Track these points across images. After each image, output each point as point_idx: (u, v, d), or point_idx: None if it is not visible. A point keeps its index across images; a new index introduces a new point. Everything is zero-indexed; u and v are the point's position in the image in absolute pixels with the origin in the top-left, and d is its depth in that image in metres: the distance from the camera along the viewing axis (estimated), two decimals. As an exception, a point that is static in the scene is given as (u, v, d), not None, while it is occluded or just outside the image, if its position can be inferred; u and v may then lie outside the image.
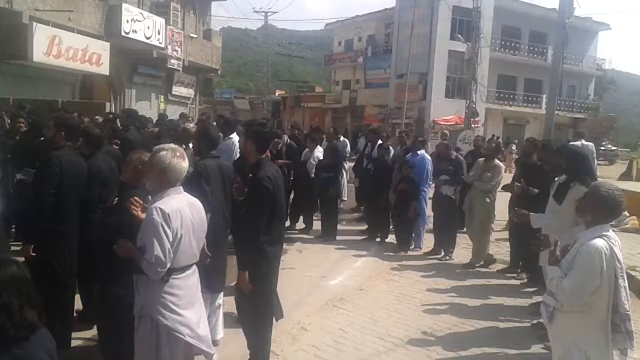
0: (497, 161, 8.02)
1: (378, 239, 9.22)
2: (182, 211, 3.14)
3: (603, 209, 3.06)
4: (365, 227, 9.88)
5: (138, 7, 19.49)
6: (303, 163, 9.46)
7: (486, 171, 7.86)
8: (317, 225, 9.59)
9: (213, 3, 29.21)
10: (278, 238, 4.15)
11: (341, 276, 7.23)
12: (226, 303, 5.01)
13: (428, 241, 8.94)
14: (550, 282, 3.15)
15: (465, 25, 30.34)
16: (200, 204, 3.38)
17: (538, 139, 9.27)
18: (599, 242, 2.98)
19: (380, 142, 10.20)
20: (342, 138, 12.07)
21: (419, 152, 8.94)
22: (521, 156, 7.74)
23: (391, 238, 9.17)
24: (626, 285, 3.06)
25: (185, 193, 3.29)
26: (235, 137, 7.61)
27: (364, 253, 8.45)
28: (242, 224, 4.19)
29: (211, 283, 4.50)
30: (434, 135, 27.54)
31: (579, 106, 40.99)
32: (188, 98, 26.14)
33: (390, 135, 12.46)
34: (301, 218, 9.83)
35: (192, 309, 3.29)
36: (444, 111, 31.56)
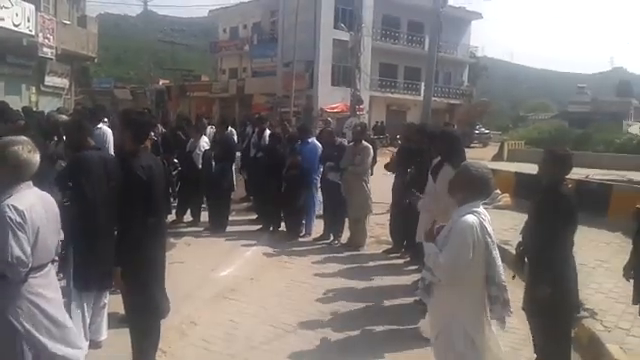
0: (365, 143, 8.32)
1: (271, 228, 9.22)
2: (35, 206, 2.99)
3: (473, 187, 3.25)
4: (255, 216, 9.85)
5: (5, -8, 17.89)
6: (189, 154, 9.22)
7: (356, 154, 8.14)
8: (206, 217, 9.39)
9: (88, -12, 27.56)
10: (156, 231, 4.00)
11: (231, 267, 7.16)
12: (111, 302, 4.79)
13: (318, 227, 9.08)
14: (427, 258, 3.31)
15: (348, 14, 31.04)
16: (51, 198, 3.23)
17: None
18: (470, 218, 3.15)
19: (274, 131, 10.18)
20: (230, 128, 11.89)
21: (309, 140, 9.03)
22: (402, 141, 8.08)
23: (282, 226, 9.22)
24: (499, 257, 3.26)
25: (35, 188, 3.12)
26: (104, 127, 7.44)
27: (254, 243, 8.41)
28: (116, 215, 4.03)
29: (93, 281, 4.31)
30: (322, 123, 27.94)
31: (455, 92, 43.42)
32: (63, 88, 24.53)
33: (275, 124, 12.47)
34: (189, 211, 9.58)
35: (55, 310, 3.16)
36: (331, 99, 32.14)
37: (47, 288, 3.13)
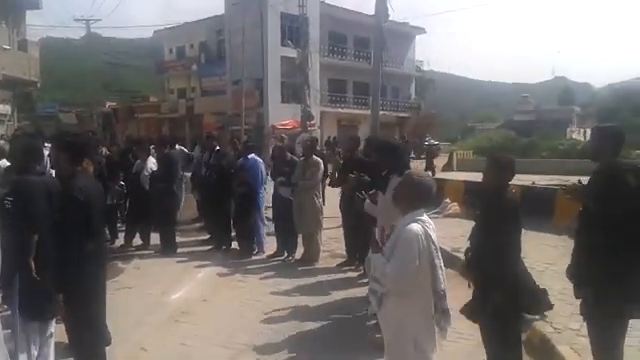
0: (315, 157, 8.35)
1: (224, 247, 9.07)
2: None
3: (416, 195, 3.27)
4: (207, 237, 9.68)
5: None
6: (136, 175, 9.01)
7: (307, 169, 8.15)
8: (156, 240, 9.15)
9: (28, 12, 26.79)
10: (96, 255, 3.85)
11: (183, 289, 6.98)
12: (56, 331, 4.57)
13: (271, 244, 8.98)
14: (375, 269, 3.29)
15: (294, 31, 31.26)
16: None
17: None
18: (415, 226, 3.16)
19: (217, 148, 10.05)
20: (177, 147, 11.71)
21: (249, 156, 8.94)
22: (345, 152, 8.25)
23: (235, 245, 9.08)
24: (442, 265, 3.27)
25: None
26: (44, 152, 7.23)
27: (207, 263, 8.25)
28: (53, 240, 3.85)
29: (39, 310, 4.10)
30: (274, 140, 27.89)
31: (403, 106, 44.25)
32: (5, 115, 23.78)
33: (225, 143, 12.31)
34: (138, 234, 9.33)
35: None
36: (281, 116, 32.13)
37: None
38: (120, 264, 8.00)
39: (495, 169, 4.10)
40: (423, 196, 3.28)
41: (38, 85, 27.87)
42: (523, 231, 4.00)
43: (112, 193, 8.40)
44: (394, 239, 3.22)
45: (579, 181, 4.06)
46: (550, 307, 5.51)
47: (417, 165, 23.99)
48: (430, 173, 20.64)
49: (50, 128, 29.41)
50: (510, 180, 4.16)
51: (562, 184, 13.26)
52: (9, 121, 24.30)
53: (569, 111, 60.85)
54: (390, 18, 14.09)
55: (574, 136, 46.07)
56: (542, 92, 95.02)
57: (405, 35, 42.33)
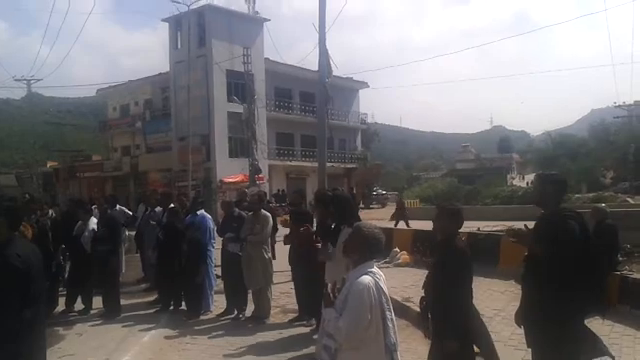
0: (263, 212, 8.29)
1: (171, 307, 8.76)
2: None
3: (366, 247, 3.27)
4: (153, 298, 9.34)
5: None
6: (77, 237, 8.68)
7: (256, 223, 8.08)
8: (98, 303, 8.76)
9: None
10: (34, 324, 3.64)
11: (128, 355, 6.65)
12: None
13: (221, 302, 8.74)
14: (328, 324, 3.24)
15: (240, 87, 31.60)
16: None
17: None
18: (366, 279, 3.15)
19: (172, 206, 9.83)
20: (118, 207, 11.39)
21: (198, 212, 8.80)
22: (291, 206, 8.32)
23: (183, 305, 8.79)
24: (393, 317, 3.26)
25: None
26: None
27: (153, 326, 7.90)
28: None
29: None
30: (222, 195, 27.68)
31: (350, 157, 45.03)
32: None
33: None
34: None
35: None
36: (230, 170, 32.03)
37: None
38: (61, 330, 7.59)
39: (444, 218, 4.18)
40: (373, 248, 3.29)
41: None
42: (471, 277, 4.06)
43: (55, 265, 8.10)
44: (345, 292, 3.19)
45: (525, 226, 4.17)
46: None
47: (388, 214, 24.18)
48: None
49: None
50: (459, 228, 4.26)
51: (506, 229, 13.69)
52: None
53: (509, 159, 63.50)
54: (334, 74, 14.49)
55: (515, 182, 47.91)
56: (481, 141, 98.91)
57: (349, 89, 43.56)
